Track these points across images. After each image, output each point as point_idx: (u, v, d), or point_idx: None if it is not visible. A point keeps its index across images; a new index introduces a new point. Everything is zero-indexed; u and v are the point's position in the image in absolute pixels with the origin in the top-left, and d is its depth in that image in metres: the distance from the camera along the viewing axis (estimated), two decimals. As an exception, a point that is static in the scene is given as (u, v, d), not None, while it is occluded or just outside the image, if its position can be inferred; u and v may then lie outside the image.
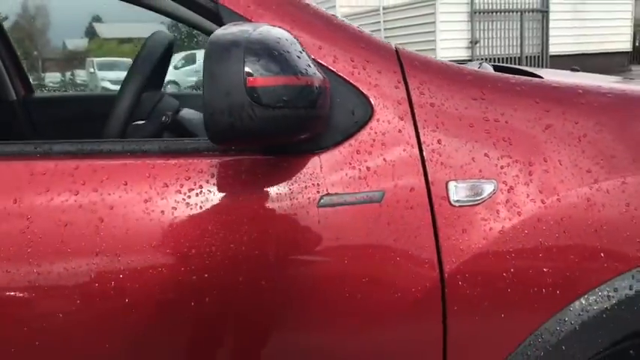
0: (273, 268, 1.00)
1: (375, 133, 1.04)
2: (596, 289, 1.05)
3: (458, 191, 1.04)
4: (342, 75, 1.04)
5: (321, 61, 1.03)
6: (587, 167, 1.06)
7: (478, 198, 1.04)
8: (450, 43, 14.92)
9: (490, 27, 15.86)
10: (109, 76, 20.48)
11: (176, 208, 0.97)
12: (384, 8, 17.07)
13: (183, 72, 19.63)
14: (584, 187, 1.05)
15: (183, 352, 1.00)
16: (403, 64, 1.09)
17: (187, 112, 1.43)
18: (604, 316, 1.04)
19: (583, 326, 1.04)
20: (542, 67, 16.21)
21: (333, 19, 1.12)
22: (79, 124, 2.40)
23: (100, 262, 0.94)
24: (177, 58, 21.13)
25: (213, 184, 0.99)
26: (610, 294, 1.04)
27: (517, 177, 1.05)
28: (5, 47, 2.44)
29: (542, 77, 1.21)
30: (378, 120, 1.04)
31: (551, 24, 16.53)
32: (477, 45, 15.62)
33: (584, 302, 1.05)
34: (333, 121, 1.01)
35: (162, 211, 0.97)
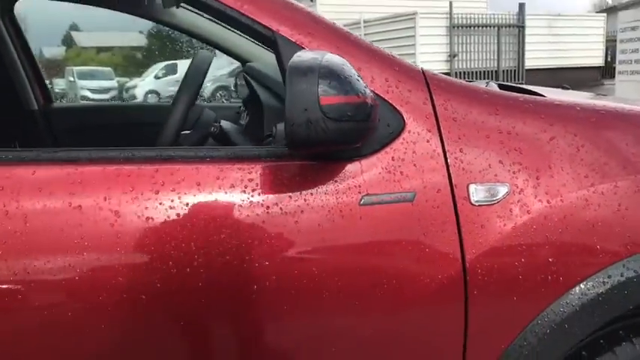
0: (322, 255, 1.17)
1: (407, 142, 1.22)
2: (593, 276, 1.23)
3: (477, 193, 1.22)
4: (378, 93, 1.22)
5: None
6: (585, 173, 1.25)
7: (494, 199, 1.22)
8: (429, 56, 15.24)
9: (468, 41, 16.27)
10: (89, 85, 20.41)
11: (242, 206, 1.13)
12: (364, 21, 17.38)
13: (164, 82, 19.65)
14: (582, 190, 1.24)
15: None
16: (429, 84, 1.27)
17: (225, 123, 1.60)
18: (600, 299, 1.23)
19: (582, 308, 1.22)
20: (518, 80, 16.64)
21: (370, 45, 1.30)
22: (97, 133, 2.54)
23: (179, 251, 1.10)
24: (158, 67, 21.18)
25: (272, 185, 1.16)
26: (605, 280, 1.23)
27: (527, 181, 1.23)
28: (27, 57, 2.57)
29: (544, 96, 1.40)
30: (409, 132, 1.22)
31: (527, 39, 17.01)
32: (456, 58, 16.02)
33: (583, 287, 1.23)
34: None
35: (231, 208, 1.13)
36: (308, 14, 1.29)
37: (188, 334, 1.16)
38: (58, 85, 21.31)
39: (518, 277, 1.22)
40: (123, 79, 20.39)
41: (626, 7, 13.86)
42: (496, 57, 16.74)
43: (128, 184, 1.11)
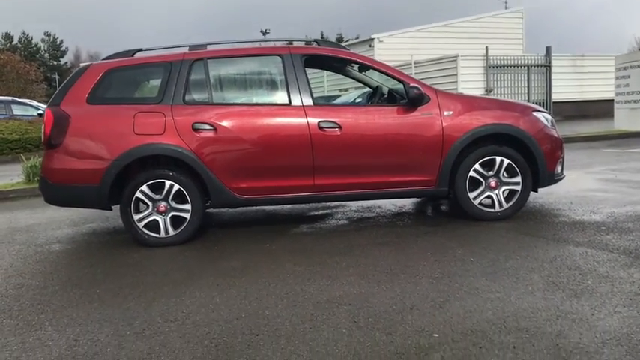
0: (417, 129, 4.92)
1: (432, 101, 4.91)
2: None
3: (447, 113, 4.89)
4: (425, 91, 4.93)
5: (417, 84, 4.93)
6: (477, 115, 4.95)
7: (450, 114, 4.90)
8: (468, 91, 18.76)
9: (502, 78, 19.79)
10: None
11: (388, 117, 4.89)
12: (415, 62, 21.22)
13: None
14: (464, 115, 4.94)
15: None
16: (436, 90, 4.98)
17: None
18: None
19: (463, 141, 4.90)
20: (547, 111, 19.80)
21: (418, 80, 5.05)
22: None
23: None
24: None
25: (395, 111, 4.92)
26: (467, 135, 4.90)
27: (455, 111, 4.93)
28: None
29: (468, 95, 5.08)
30: (431, 99, 4.91)
31: (554, 76, 20.37)
32: (491, 93, 19.49)
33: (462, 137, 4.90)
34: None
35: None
36: (409, 75, 5.04)
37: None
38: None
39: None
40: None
41: None
42: (527, 92, 20.10)
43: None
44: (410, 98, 4.82)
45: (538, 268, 3.61)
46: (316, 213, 5.95)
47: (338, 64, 5.92)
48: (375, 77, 5.80)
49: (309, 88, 4.94)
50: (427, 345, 2.58)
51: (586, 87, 21.22)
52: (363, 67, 5.59)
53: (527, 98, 19.92)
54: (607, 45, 59.02)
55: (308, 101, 4.87)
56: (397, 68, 5.23)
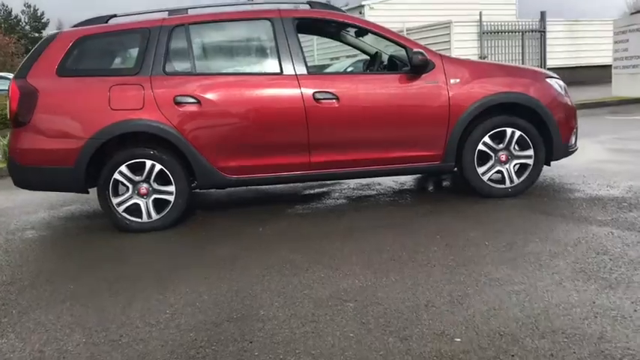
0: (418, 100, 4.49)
1: (437, 68, 4.45)
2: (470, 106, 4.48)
3: (453, 81, 4.45)
4: (430, 57, 4.47)
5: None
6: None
7: (456, 82, 4.46)
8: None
9: (496, 44, 19.30)
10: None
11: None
12: (407, 29, 20.59)
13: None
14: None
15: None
16: (441, 55, 4.53)
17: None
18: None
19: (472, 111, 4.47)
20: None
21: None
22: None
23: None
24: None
25: (398, 79, 4.47)
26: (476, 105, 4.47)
27: (462, 79, 4.49)
28: None
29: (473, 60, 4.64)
30: (437, 66, 4.45)
31: (548, 42, 19.91)
32: (486, 59, 19.02)
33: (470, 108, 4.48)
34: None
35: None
36: (412, 40, 4.58)
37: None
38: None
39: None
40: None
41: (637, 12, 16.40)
42: (520, 58, 19.66)
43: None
44: (413, 65, 4.38)
45: (562, 253, 3.24)
46: (312, 191, 5.55)
47: (333, 29, 5.45)
48: (373, 43, 5.34)
49: (303, 56, 4.48)
50: (450, 354, 2.21)
51: (582, 52, 20.74)
52: (361, 32, 5.13)
53: (521, 65, 19.49)
54: (600, 9, 58.09)
55: (302, 70, 4.42)
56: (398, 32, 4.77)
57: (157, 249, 3.98)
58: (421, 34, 19.91)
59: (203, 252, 3.77)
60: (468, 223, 3.98)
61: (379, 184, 5.62)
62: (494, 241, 3.55)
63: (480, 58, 18.84)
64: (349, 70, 17.72)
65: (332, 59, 21.33)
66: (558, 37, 20.28)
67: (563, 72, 19.86)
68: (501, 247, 3.42)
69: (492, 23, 19.16)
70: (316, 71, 5.08)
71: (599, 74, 20.00)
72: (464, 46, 18.69)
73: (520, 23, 19.93)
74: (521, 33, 19.67)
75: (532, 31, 19.82)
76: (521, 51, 19.62)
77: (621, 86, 14.26)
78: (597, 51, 20.52)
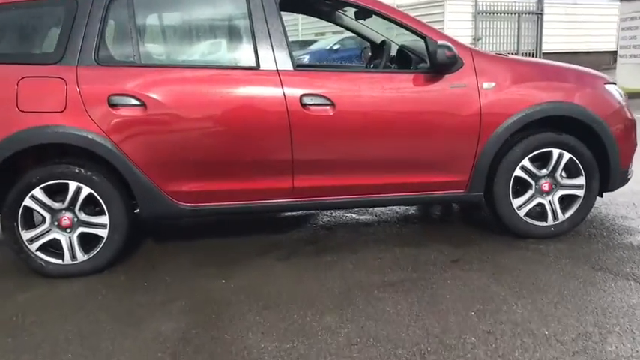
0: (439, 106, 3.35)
1: (466, 68, 3.33)
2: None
3: (485, 85, 3.32)
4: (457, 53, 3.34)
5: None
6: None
7: (491, 87, 3.33)
8: (455, 39, 17.15)
9: (491, 26, 18.16)
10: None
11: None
12: (398, 6, 19.26)
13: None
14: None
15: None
16: (472, 50, 3.41)
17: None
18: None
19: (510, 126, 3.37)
20: (536, 62, 18.36)
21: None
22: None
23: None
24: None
25: (416, 78, 3.33)
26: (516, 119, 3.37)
27: (501, 80, 3.38)
28: None
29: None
30: (466, 64, 3.33)
31: (545, 25, 18.83)
32: (479, 42, 17.88)
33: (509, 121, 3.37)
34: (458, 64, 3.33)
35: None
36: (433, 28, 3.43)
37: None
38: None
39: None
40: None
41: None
42: (516, 41, 18.58)
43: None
44: (436, 63, 3.24)
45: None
46: (290, 219, 4.41)
47: (327, 8, 4.26)
48: (378, 28, 4.18)
49: (287, 44, 3.30)
50: None
51: (580, 37, 19.70)
52: (363, 13, 3.95)
53: (516, 48, 18.42)
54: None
55: (285, 64, 3.25)
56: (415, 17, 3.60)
57: (79, 310, 2.84)
58: (413, 11, 18.57)
59: (142, 321, 2.65)
60: (507, 287, 2.90)
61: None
62: (554, 329, 2.47)
63: (474, 40, 17.70)
64: (336, 47, 16.56)
65: (317, 34, 20.05)
66: (556, 19, 19.20)
67: (560, 57, 18.97)
68: (570, 343, 2.35)
69: (488, 3, 17.99)
70: (306, 66, 3.90)
71: (598, 60, 19.02)
72: (458, 27, 17.49)
73: (517, 4, 18.78)
74: (517, 14, 18.54)
75: (529, 13, 18.72)
76: (517, 33, 18.54)
77: (626, 76, 13.25)
78: (597, 36, 19.55)
